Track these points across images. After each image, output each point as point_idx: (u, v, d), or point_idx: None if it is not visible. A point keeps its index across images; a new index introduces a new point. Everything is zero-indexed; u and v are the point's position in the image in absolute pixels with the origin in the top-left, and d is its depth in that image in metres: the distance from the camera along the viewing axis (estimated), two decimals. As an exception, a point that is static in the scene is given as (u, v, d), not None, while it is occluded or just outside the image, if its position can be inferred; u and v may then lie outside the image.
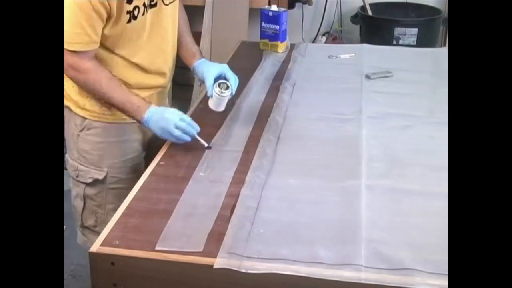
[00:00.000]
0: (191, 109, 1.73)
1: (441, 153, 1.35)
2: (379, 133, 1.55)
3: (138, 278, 1.08)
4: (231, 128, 1.57)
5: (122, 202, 1.24)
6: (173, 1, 1.55)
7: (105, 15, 1.35)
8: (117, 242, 1.10)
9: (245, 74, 1.96)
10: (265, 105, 1.74)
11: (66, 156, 1.62)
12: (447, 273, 0.91)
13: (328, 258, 1.05)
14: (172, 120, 1.40)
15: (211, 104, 1.53)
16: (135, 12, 1.42)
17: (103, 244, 1.10)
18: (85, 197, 1.60)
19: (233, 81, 1.53)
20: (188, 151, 1.44)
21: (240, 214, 1.18)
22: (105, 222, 1.52)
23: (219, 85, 1.50)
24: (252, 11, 3.10)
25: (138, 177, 1.35)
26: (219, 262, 1.04)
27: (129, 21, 1.42)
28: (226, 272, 1.03)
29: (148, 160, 1.50)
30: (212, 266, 1.04)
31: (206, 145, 1.44)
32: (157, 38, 1.54)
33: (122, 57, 1.48)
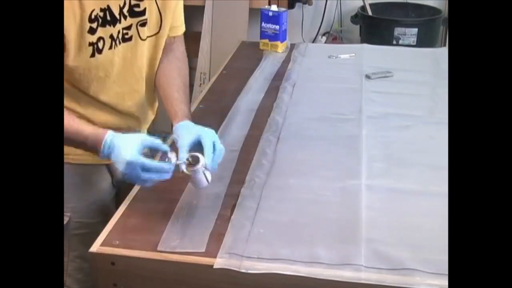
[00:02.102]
0: (191, 109, 1.73)
1: (441, 153, 1.35)
2: (379, 133, 1.55)
3: (138, 278, 1.08)
4: (229, 128, 1.57)
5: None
6: (154, 35, 1.34)
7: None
8: (117, 242, 1.10)
9: (245, 74, 1.96)
10: (264, 105, 1.74)
11: None
12: (447, 273, 0.91)
13: (328, 258, 1.05)
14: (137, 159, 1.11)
15: (190, 183, 1.25)
16: (100, 45, 1.21)
17: (103, 244, 1.10)
18: None
19: (208, 150, 1.19)
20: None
21: (240, 214, 1.18)
22: (66, 271, 1.41)
23: (187, 160, 1.19)
24: (252, 11, 3.10)
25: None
26: (219, 262, 1.04)
27: (92, 55, 1.21)
28: (226, 272, 1.03)
29: (118, 199, 1.31)
30: (212, 266, 1.04)
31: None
32: (129, 77, 1.34)
33: (87, 94, 1.30)
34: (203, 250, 1.07)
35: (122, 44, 1.27)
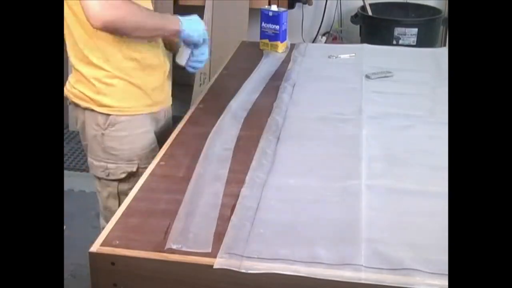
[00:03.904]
0: (191, 109, 1.73)
1: (441, 153, 1.35)
2: (379, 133, 1.55)
3: (138, 278, 1.08)
4: (223, 127, 1.57)
5: None
6: None
7: None
8: (117, 242, 1.10)
9: (245, 74, 1.96)
10: (263, 105, 1.74)
11: (89, 160, 1.62)
12: (447, 273, 0.91)
13: (328, 258, 1.05)
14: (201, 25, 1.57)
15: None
16: None
17: (103, 244, 1.10)
18: (119, 195, 1.61)
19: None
20: (188, 151, 1.45)
21: (240, 214, 1.18)
22: None
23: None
24: (252, 11, 3.10)
25: None
26: (219, 262, 1.04)
27: None
28: (226, 272, 1.03)
29: (160, 147, 1.55)
30: (212, 266, 1.04)
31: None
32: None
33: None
34: (209, 250, 1.07)
35: None
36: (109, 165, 1.58)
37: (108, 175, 1.59)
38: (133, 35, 1.46)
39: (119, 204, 1.55)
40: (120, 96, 1.52)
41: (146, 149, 1.60)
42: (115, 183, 1.60)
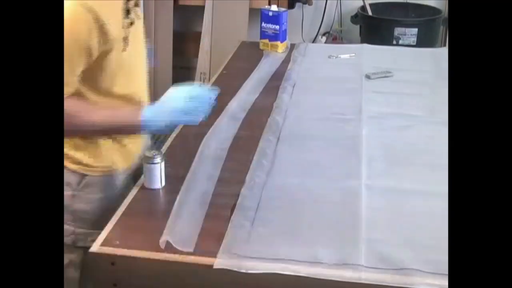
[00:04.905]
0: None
1: (441, 153, 1.35)
2: (379, 133, 1.55)
3: (138, 278, 1.08)
4: (220, 127, 1.57)
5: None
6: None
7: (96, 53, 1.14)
8: (117, 242, 1.10)
9: (245, 74, 1.96)
10: (263, 105, 1.74)
11: None
12: (447, 273, 0.91)
13: (328, 258, 1.05)
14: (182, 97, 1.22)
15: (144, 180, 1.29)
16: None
17: (103, 244, 1.10)
18: (84, 265, 1.34)
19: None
20: (188, 151, 1.45)
21: (240, 214, 1.18)
22: None
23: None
24: (252, 11, 3.10)
25: None
26: (219, 262, 1.04)
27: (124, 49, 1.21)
28: (226, 272, 1.03)
29: None
30: (212, 266, 1.04)
31: None
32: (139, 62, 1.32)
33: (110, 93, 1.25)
34: (191, 250, 1.07)
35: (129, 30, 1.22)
36: (78, 230, 1.32)
37: (73, 241, 1.32)
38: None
39: (81, 277, 1.36)
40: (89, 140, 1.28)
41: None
42: (81, 250, 1.32)
